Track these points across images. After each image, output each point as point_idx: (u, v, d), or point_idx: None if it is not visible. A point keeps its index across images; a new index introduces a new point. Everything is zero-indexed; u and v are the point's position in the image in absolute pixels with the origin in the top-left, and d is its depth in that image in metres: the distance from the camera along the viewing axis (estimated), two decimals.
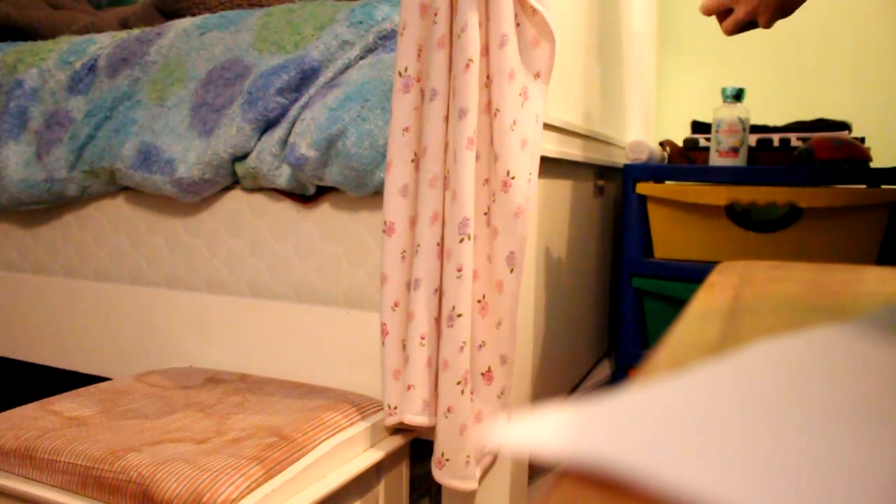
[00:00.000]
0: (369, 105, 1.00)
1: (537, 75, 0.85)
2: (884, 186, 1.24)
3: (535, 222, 1.03)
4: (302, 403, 0.94)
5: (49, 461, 0.80)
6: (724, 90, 1.38)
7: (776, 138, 1.47)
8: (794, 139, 1.45)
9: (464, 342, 0.86)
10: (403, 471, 1.00)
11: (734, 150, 1.37)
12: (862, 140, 1.44)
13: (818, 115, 1.57)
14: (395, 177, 0.89)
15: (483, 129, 0.85)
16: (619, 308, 1.45)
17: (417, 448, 1.04)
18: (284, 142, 1.07)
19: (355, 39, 1.09)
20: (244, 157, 1.10)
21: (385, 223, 0.90)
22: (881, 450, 0.17)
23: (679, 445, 0.17)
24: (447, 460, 0.87)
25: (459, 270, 0.85)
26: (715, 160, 1.39)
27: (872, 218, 1.23)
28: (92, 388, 1.02)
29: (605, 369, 1.56)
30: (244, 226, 1.18)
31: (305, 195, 1.11)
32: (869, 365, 0.25)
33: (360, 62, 1.10)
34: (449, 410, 0.87)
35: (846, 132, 1.43)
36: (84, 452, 0.79)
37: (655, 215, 1.40)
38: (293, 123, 1.06)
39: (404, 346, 0.90)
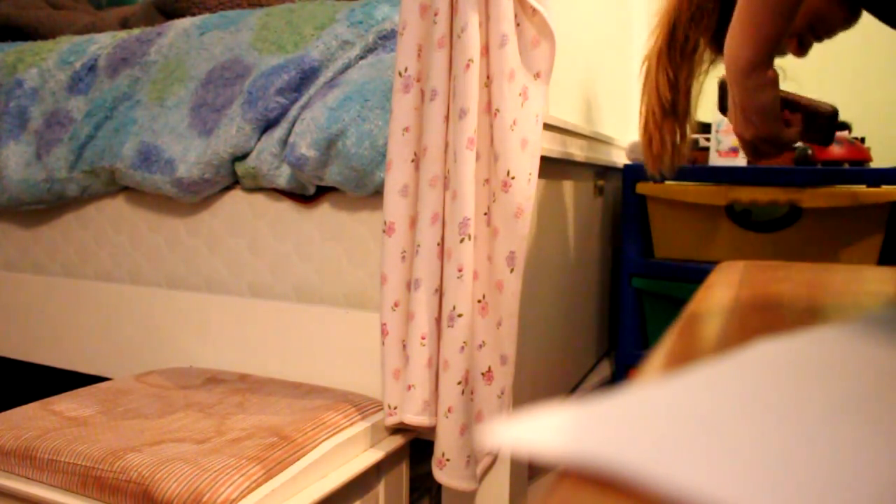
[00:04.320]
0: (369, 105, 1.00)
1: (537, 75, 0.85)
2: (884, 186, 1.24)
3: (535, 222, 1.03)
4: (302, 403, 0.94)
5: (49, 461, 0.80)
6: None
7: None
8: None
9: (464, 342, 0.86)
10: (403, 471, 1.00)
11: (734, 150, 1.37)
12: (862, 140, 1.44)
13: None
14: (395, 177, 0.89)
15: (483, 129, 0.85)
16: (619, 308, 1.45)
17: (417, 448, 1.04)
18: (284, 142, 1.07)
19: (355, 39, 1.09)
20: (244, 156, 1.10)
21: (385, 223, 0.90)
22: (881, 449, 0.17)
23: (679, 445, 0.17)
24: (448, 460, 0.87)
25: (460, 270, 0.85)
26: (715, 160, 1.39)
27: (872, 218, 1.23)
28: (92, 388, 1.02)
29: (605, 369, 1.56)
30: (244, 226, 1.18)
31: (305, 195, 1.11)
32: (869, 365, 0.25)
33: (360, 62, 1.10)
34: (449, 410, 0.87)
35: (846, 132, 1.43)
36: (84, 452, 0.79)
37: (655, 215, 1.40)
38: (293, 123, 1.06)
39: (404, 346, 0.90)
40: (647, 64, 0.99)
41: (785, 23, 0.73)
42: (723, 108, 0.94)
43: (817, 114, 0.85)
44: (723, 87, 0.91)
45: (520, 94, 0.84)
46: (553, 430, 0.18)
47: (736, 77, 0.78)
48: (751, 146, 0.85)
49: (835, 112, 0.86)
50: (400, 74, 0.88)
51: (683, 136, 0.99)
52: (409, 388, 0.88)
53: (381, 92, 1.01)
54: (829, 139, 0.87)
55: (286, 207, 1.13)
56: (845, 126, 1.44)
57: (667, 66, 0.95)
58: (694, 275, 1.34)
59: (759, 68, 0.77)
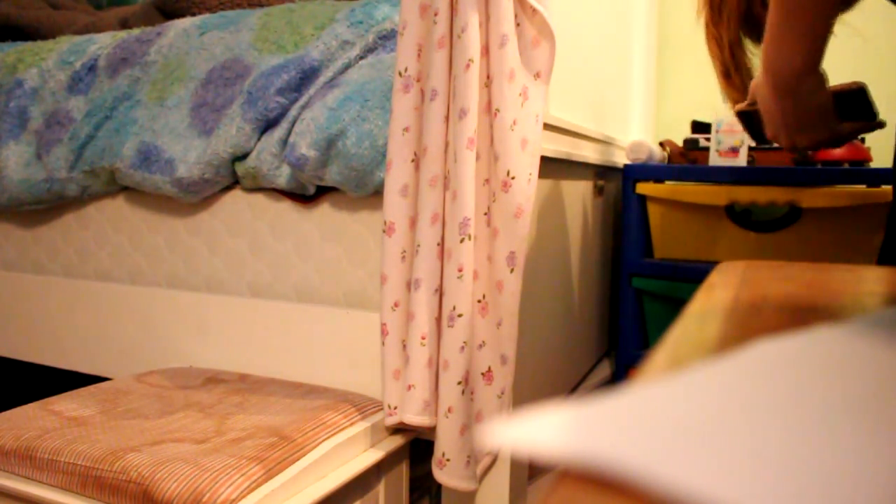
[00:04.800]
0: (369, 105, 1.00)
1: (537, 75, 0.85)
2: (884, 186, 1.24)
3: (535, 222, 1.03)
4: (302, 403, 0.94)
5: (49, 461, 0.80)
6: None
7: None
8: None
9: (464, 342, 0.86)
10: (403, 471, 1.00)
11: (734, 150, 1.37)
12: (862, 140, 1.44)
13: None
14: (395, 177, 0.89)
15: (483, 129, 0.85)
16: (619, 308, 1.45)
17: (417, 448, 1.04)
18: (284, 142, 1.07)
19: (355, 39, 1.09)
20: (244, 156, 1.10)
21: (385, 223, 0.90)
22: (881, 449, 0.17)
23: (679, 445, 0.17)
24: (448, 460, 0.87)
25: (460, 270, 0.84)
26: (715, 160, 1.39)
27: (872, 218, 1.23)
28: (92, 388, 1.02)
29: (605, 369, 1.56)
30: (244, 226, 1.18)
31: (305, 195, 1.11)
32: (869, 365, 0.25)
33: (360, 62, 1.09)
34: (449, 410, 0.87)
35: None
36: (84, 452, 0.79)
37: (655, 215, 1.40)
38: (293, 123, 1.06)
39: (404, 346, 0.90)
40: (702, 24, 0.97)
41: (834, 15, 0.68)
42: (758, 136, 0.89)
43: (848, 96, 0.82)
44: (749, 116, 0.87)
45: (520, 94, 0.84)
46: (553, 430, 0.18)
47: (788, 86, 0.73)
48: (803, 150, 0.82)
49: (861, 87, 0.82)
50: (400, 74, 0.88)
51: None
52: (410, 388, 0.88)
53: (381, 92, 1.01)
54: (872, 114, 0.84)
55: (286, 207, 1.13)
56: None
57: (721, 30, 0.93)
58: (694, 275, 1.34)
59: (814, 71, 0.72)
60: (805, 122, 0.77)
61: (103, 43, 1.34)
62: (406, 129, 0.88)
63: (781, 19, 0.70)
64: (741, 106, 0.89)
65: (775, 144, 0.87)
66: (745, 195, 1.29)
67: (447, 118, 0.87)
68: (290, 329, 1.10)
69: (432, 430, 0.90)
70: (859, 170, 1.26)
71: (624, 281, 1.43)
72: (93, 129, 1.25)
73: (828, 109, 0.76)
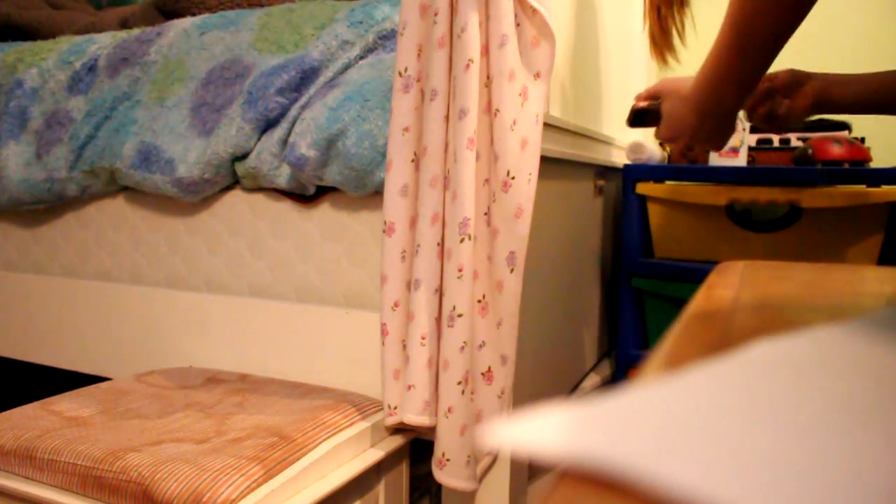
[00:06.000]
0: (369, 105, 1.00)
1: (537, 75, 0.85)
2: (884, 186, 1.24)
3: (535, 222, 1.03)
4: (302, 403, 0.94)
5: (49, 461, 0.80)
6: None
7: (776, 138, 1.47)
8: (794, 139, 1.45)
9: (464, 342, 0.86)
10: (403, 471, 1.00)
11: (734, 150, 1.37)
12: (862, 140, 1.44)
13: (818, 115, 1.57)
14: (395, 177, 0.89)
15: (483, 129, 0.85)
16: (619, 308, 1.45)
17: (417, 448, 1.04)
18: (284, 142, 1.07)
19: (355, 39, 1.09)
20: (244, 156, 1.10)
21: (385, 223, 0.90)
22: (881, 450, 0.17)
23: (679, 446, 0.17)
24: (448, 460, 0.87)
25: (460, 270, 0.84)
26: (715, 160, 1.39)
27: (872, 218, 1.23)
28: (92, 388, 1.02)
29: (605, 369, 1.56)
30: (244, 226, 1.18)
31: (305, 195, 1.11)
32: (869, 365, 0.25)
33: (360, 62, 1.10)
34: (449, 410, 0.87)
35: (846, 132, 1.43)
36: (84, 452, 0.79)
37: (655, 215, 1.40)
38: (293, 123, 1.06)
39: (404, 346, 0.90)
40: None
41: (773, 58, 0.74)
42: (639, 125, 0.98)
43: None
44: (643, 111, 0.96)
45: (520, 94, 0.84)
46: (553, 430, 0.18)
47: (718, 119, 0.83)
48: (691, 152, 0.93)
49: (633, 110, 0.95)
50: (400, 74, 0.88)
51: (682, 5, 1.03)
52: (409, 388, 0.88)
53: (381, 92, 1.01)
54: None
55: (286, 207, 1.13)
56: (846, 126, 1.44)
57: None
58: (694, 275, 1.34)
59: (742, 104, 0.83)
60: (718, 134, 0.87)
61: (103, 43, 1.34)
62: (406, 129, 0.88)
63: (723, 52, 0.76)
64: (642, 104, 0.97)
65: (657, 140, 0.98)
66: (745, 195, 1.29)
67: (447, 118, 0.87)
68: (290, 329, 1.10)
69: (432, 430, 0.90)
70: (859, 170, 1.26)
71: (624, 281, 1.43)
72: (93, 129, 1.25)
73: (737, 118, 0.87)
